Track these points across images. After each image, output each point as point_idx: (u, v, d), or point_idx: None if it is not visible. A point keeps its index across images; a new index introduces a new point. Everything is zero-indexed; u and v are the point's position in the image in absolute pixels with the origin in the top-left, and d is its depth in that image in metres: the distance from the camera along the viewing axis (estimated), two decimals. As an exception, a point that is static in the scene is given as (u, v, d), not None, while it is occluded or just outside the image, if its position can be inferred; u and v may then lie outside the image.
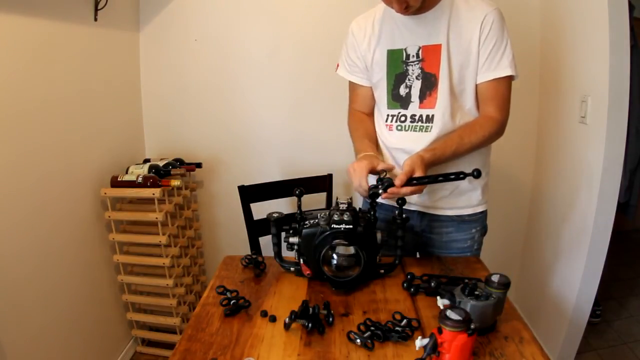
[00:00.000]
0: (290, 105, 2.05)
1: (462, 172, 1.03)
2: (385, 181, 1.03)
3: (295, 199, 1.08)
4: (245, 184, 1.62)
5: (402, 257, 1.11)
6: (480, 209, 1.25)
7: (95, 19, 1.65)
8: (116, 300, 1.86)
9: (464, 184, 1.20)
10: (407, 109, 1.18)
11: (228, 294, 0.99)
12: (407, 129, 1.18)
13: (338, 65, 1.30)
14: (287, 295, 1.03)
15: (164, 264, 1.74)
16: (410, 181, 1.04)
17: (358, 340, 0.84)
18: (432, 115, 1.15)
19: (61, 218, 1.51)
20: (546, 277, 1.93)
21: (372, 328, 0.87)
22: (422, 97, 1.15)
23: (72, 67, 1.55)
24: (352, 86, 1.29)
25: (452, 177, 1.03)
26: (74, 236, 1.59)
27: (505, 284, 0.88)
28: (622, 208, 1.97)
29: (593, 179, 1.56)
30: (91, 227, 1.69)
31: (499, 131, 1.14)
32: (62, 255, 1.52)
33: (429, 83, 1.14)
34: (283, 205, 1.79)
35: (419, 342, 0.76)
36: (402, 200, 1.05)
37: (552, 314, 1.88)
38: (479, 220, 1.26)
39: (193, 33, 1.98)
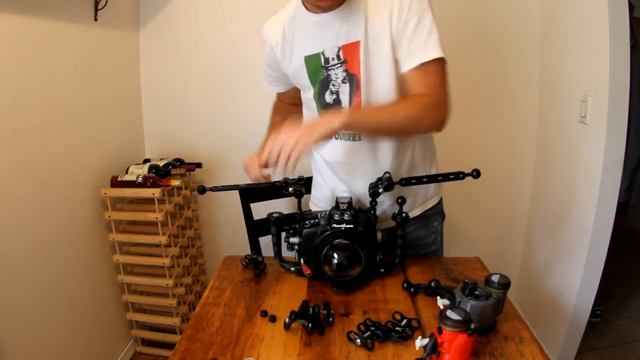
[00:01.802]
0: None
1: (461, 172, 1.03)
2: (385, 180, 1.03)
3: (295, 199, 1.08)
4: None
5: (402, 257, 1.11)
6: (437, 200, 1.22)
7: (95, 19, 1.65)
8: (116, 300, 1.86)
9: (408, 188, 1.10)
10: None
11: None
12: (340, 137, 1.08)
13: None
14: (287, 295, 1.03)
15: (164, 264, 1.74)
16: (409, 181, 1.04)
17: (358, 340, 0.84)
18: None
19: (61, 218, 1.51)
20: (546, 277, 1.93)
21: (372, 328, 0.87)
22: (351, 102, 1.05)
23: (72, 67, 1.55)
24: (273, 90, 1.24)
25: (452, 177, 1.03)
26: (74, 236, 1.59)
27: (505, 284, 0.88)
28: (622, 208, 1.96)
29: (593, 179, 1.56)
30: (91, 227, 1.69)
31: (434, 106, 0.96)
32: (62, 255, 1.52)
33: (355, 85, 1.03)
34: (283, 205, 1.78)
35: (419, 342, 0.76)
36: (402, 199, 1.05)
37: (552, 314, 1.88)
38: (439, 212, 1.24)
39: (193, 33, 1.98)
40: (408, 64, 0.97)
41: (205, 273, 2.22)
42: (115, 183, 1.71)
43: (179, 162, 1.91)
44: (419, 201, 1.19)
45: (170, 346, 1.66)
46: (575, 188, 1.71)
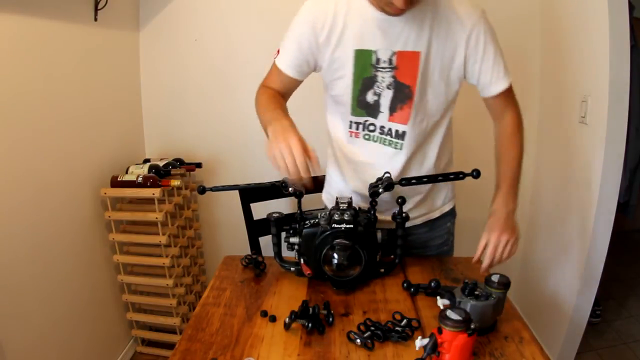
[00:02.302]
0: (290, 105, 2.04)
1: (461, 172, 1.03)
2: (385, 180, 1.03)
3: (295, 199, 1.08)
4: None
5: (402, 257, 1.11)
6: (448, 208, 1.23)
7: (95, 19, 1.65)
8: (116, 300, 1.86)
9: (431, 191, 1.17)
10: (376, 118, 1.06)
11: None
12: (375, 139, 1.08)
13: (278, 52, 1.10)
14: (287, 295, 1.03)
15: (164, 264, 1.74)
16: (409, 181, 1.04)
17: (358, 340, 0.84)
18: (404, 132, 1.05)
19: (61, 218, 1.51)
20: (546, 277, 1.93)
21: (372, 328, 0.87)
22: (392, 109, 1.03)
23: (72, 67, 1.55)
24: (279, 74, 1.10)
25: (452, 177, 1.03)
26: (74, 236, 1.59)
27: (505, 284, 0.88)
28: (622, 208, 1.97)
29: (593, 179, 1.56)
30: (91, 227, 1.69)
31: (522, 123, 1.11)
32: (61, 255, 1.52)
33: (402, 95, 1.01)
34: (283, 205, 1.78)
35: (419, 342, 0.76)
36: (402, 199, 1.05)
37: (552, 314, 1.87)
38: (451, 213, 1.25)
39: (193, 33, 1.98)
40: (494, 89, 1.03)
41: (205, 273, 2.22)
42: (115, 183, 1.71)
43: (179, 162, 1.91)
44: (437, 204, 1.21)
45: (170, 346, 1.66)
46: (575, 188, 1.71)
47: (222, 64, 2.01)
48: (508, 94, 1.06)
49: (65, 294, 1.54)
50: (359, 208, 1.07)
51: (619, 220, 1.67)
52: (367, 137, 1.09)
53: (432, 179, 1.08)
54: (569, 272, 1.73)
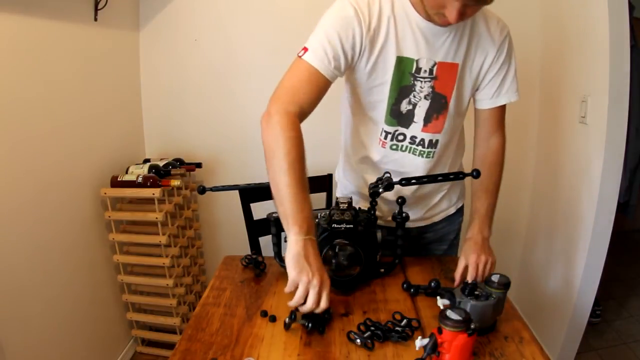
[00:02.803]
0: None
1: (461, 172, 1.04)
2: (385, 180, 1.03)
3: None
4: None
5: (402, 257, 1.11)
6: (461, 203, 1.27)
7: (95, 19, 1.65)
8: (116, 300, 1.86)
9: (450, 189, 1.20)
10: (407, 128, 1.04)
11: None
12: (403, 149, 1.07)
13: (306, 50, 0.95)
14: (287, 295, 1.03)
15: (164, 264, 1.74)
16: (409, 181, 1.04)
17: (358, 340, 0.84)
18: (437, 141, 1.05)
19: (61, 218, 1.51)
20: (546, 277, 1.93)
21: (372, 328, 0.87)
22: (427, 120, 1.03)
23: (72, 67, 1.55)
24: (310, 76, 0.94)
25: (452, 177, 1.04)
26: (74, 236, 1.59)
27: (505, 284, 0.88)
28: (622, 208, 1.97)
29: (593, 179, 1.56)
30: (91, 227, 1.69)
31: (504, 152, 1.13)
32: (62, 255, 1.52)
33: (438, 105, 1.01)
34: (283, 205, 1.78)
35: (419, 342, 0.76)
36: (402, 199, 1.05)
37: (552, 314, 1.88)
38: (462, 209, 1.29)
39: (193, 33, 1.98)
40: (492, 103, 1.05)
41: (205, 273, 2.22)
42: (115, 183, 1.71)
43: (179, 162, 1.91)
44: (453, 200, 1.24)
45: (170, 346, 1.66)
46: (575, 188, 1.71)
47: (222, 64, 2.01)
48: (502, 114, 1.09)
49: (65, 294, 1.54)
50: (359, 208, 1.07)
51: (619, 220, 1.67)
52: (394, 147, 1.07)
53: (432, 179, 1.08)
54: (569, 272, 1.73)
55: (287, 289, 0.82)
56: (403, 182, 1.04)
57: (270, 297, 1.02)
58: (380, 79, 0.99)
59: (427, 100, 1.01)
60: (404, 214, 1.05)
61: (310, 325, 0.87)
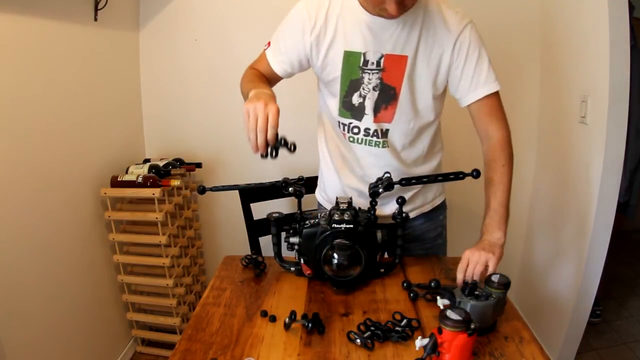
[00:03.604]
0: (290, 105, 2.04)
1: (461, 172, 1.03)
2: (385, 180, 1.03)
3: (295, 199, 1.08)
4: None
5: (402, 257, 1.11)
6: (440, 201, 1.26)
7: (95, 19, 1.65)
8: (116, 300, 1.86)
9: (424, 186, 1.20)
10: (360, 120, 1.08)
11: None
12: (360, 141, 1.11)
13: (270, 44, 1.12)
14: (287, 295, 1.03)
15: (164, 264, 1.74)
16: (409, 181, 1.04)
17: (358, 340, 0.84)
18: (387, 130, 1.08)
19: (61, 218, 1.51)
20: (546, 277, 1.93)
21: (372, 328, 0.87)
22: (376, 110, 1.06)
23: (72, 67, 1.55)
24: (267, 65, 1.11)
25: (452, 177, 1.03)
26: (74, 236, 1.59)
27: (505, 284, 0.88)
28: (622, 208, 1.97)
29: (593, 179, 1.56)
30: (91, 227, 1.69)
31: (510, 147, 1.06)
32: (61, 255, 1.52)
33: (387, 96, 1.04)
34: (283, 205, 1.78)
35: (419, 342, 0.76)
36: (401, 199, 1.05)
37: (552, 314, 1.88)
38: (443, 206, 1.28)
39: (193, 33, 1.98)
40: (472, 96, 1.03)
41: (205, 273, 2.22)
42: (115, 183, 1.71)
43: (179, 162, 1.91)
44: (429, 198, 1.23)
45: (170, 346, 1.66)
46: (575, 188, 1.71)
47: (222, 64, 2.01)
48: (492, 106, 1.05)
49: (65, 294, 1.54)
50: (359, 208, 1.07)
51: (619, 220, 1.67)
52: (351, 139, 1.12)
53: (432, 179, 1.08)
54: (569, 272, 1.73)
55: (244, 122, 0.88)
56: (403, 182, 1.04)
57: (270, 297, 1.02)
58: (332, 75, 1.05)
59: (376, 91, 1.04)
60: (404, 214, 1.05)
61: (310, 325, 0.87)
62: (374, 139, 1.10)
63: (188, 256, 1.96)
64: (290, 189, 1.06)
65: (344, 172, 1.20)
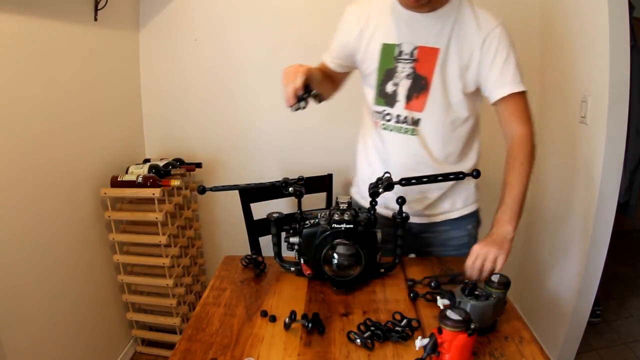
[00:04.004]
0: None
1: (461, 172, 1.04)
2: (384, 180, 1.03)
3: (295, 199, 1.08)
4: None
5: (402, 257, 1.11)
6: (470, 210, 1.24)
7: (95, 19, 1.65)
8: (116, 300, 1.86)
9: (452, 190, 1.20)
10: (392, 107, 1.13)
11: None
12: (391, 129, 1.15)
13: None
14: (287, 295, 1.03)
15: (164, 264, 1.74)
16: (409, 181, 1.04)
17: (358, 340, 0.84)
18: (419, 119, 1.11)
19: (61, 218, 1.51)
20: (546, 277, 1.93)
21: (372, 328, 0.87)
22: (409, 98, 1.11)
23: (72, 67, 1.55)
24: (325, 65, 1.23)
25: (452, 177, 1.04)
26: (74, 236, 1.59)
27: (505, 284, 0.88)
28: (622, 208, 1.97)
29: (593, 179, 1.56)
30: (91, 227, 1.69)
31: (531, 145, 1.09)
32: (62, 255, 1.52)
33: (418, 85, 1.09)
34: (283, 205, 1.79)
35: (419, 342, 0.76)
36: (401, 199, 1.05)
37: (552, 314, 1.88)
38: (474, 216, 1.26)
39: (193, 33, 1.98)
40: (499, 93, 1.07)
41: (205, 273, 2.22)
42: (115, 183, 1.71)
43: (179, 162, 1.91)
44: (457, 205, 1.22)
45: (170, 346, 1.66)
46: (575, 188, 1.71)
47: (222, 64, 2.01)
48: (517, 105, 1.09)
49: (65, 294, 1.54)
50: (359, 208, 1.07)
51: (619, 220, 1.67)
52: (384, 126, 1.16)
53: (432, 179, 1.08)
54: (569, 272, 1.73)
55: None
56: (403, 182, 1.04)
57: (270, 297, 1.02)
58: (371, 66, 1.14)
59: (409, 80, 1.10)
60: (404, 214, 1.05)
61: (310, 325, 0.87)
62: (404, 125, 1.13)
63: (188, 256, 1.96)
64: (290, 189, 1.06)
65: (374, 165, 1.22)
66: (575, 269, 1.68)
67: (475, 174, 1.02)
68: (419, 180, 1.05)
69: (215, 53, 2.00)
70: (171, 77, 2.04)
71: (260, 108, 2.05)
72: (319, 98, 1.02)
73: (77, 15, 1.57)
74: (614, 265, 1.87)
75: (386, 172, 1.06)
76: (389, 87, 1.12)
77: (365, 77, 1.18)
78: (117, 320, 1.89)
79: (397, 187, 1.04)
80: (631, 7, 1.51)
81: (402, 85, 1.10)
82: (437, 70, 1.07)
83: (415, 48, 1.07)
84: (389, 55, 1.10)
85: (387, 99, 1.13)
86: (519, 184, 1.05)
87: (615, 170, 1.52)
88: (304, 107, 0.99)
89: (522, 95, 1.08)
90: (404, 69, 1.09)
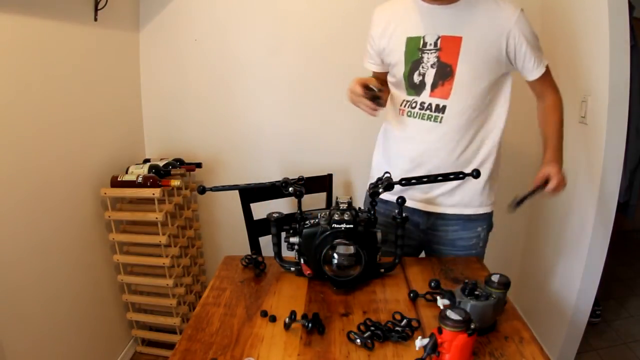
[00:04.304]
0: (290, 106, 2.04)
1: (461, 172, 1.04)
2: (384, 180, 1.03)
3: (295, 199, 1.08)
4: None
5: (402, 257, 1.11)
6: (483, 211, 1.24)
7: (95, 19, 1.65)
8: (116, 300, 1.86)
9: (465, 184, 1.20)
10: (419, 96, 1.18)
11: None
12: (415, 115, 1.19)
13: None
14: (287, 295, 1.03)
15: (164, 264, 1.74)
16: (409, 181, 1.04)
17: (358, 340, 0.84)
18: (444, 106, 1.15)
19: (61, 218, 1.51)
20: (546, 277, 1.93)
21: (372, 328, 0.87)
22: (434, 86, 1.15)
23: (72, 67, 1.55)
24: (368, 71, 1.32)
25: (452, 176, 1.04)
26: (74, 236, 1.59)
27: (505, 284, 0.88)
28: (622, 208, 1.97)
29: (593, 179, 1.56)
30: (91, 227, 1.69)
31: (562, 109, 1.26)
32: (62, 256, 1.52)
33: (444, 73, 1.13)
34: (283, 205, 1.79)
35: (419, 342, 0.76)
36: (401, 199, 1.05)
37: (552, 314, 1.87)
38: (486, 219, 1.26)
39: (193, 33, 1.98)
40: (536, 73, 1.17)
41: (205, 273, 2.22)
42: (115, 183, 1.71)
43: (179, 162, 1.91)
44: (473, 203, 1.24)
45: (170, 346, 1.66)
46: (575, 188, 1.71)
47: (222, 64, 2.01)
48: (545, 79, 1.21)
49: (65, 294, 1.54)
50: (359, 208, 1.07)
51: (619, 220, 1.67)
52: (409, 113, 1.20)
53: (432, 179, 1.08)
54: (569, 272, 1.73)
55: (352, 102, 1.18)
56: (403, 182, 1.04)
57: (270, 297, 1.02)
58: (395, 59, 1.19)
59: (434, 68, 1.14)
60: (404, 215, 1.05)
61: (310, 325, 0.87)
62: (428, 112, 1.17)
63: (188, 256, 1.96)
64: (290, 189, 1.06)
65: (395, 156, 1.26)
66: (575, 269, 1.68)
67: (475, 174, 1.02)
68: (419, 180, 1.05)
69: (215, 53, 2.00)
70: (171, 77, 2.04)
71: (260, 108, 2.06)
72: (380, 95, 1.11)
73: (77, 15, 1.57)
74: (614, 265, 1.87)
75: (386, 173, 1.06)
76: (416, 77, 1.17)
77: (392, 70, 1.23)
78: (117, 320, 1.89)
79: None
80: (631, 7, 1.51)
81: (428, 74, 1.15)
82: (461, 58, 1.11)
83: (439, 38, 1.12)
84: (414, 48, 1.15)
85: (415, 88, 1.18)
86: (559, 134, 1.24)
87: (615, 170, 1.52)
88: (384, 105, 1.13)
89: (548, 68, 1.19)
90: (429, 59, 1.14)
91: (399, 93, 1.24)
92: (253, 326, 0.91)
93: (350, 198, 1.07)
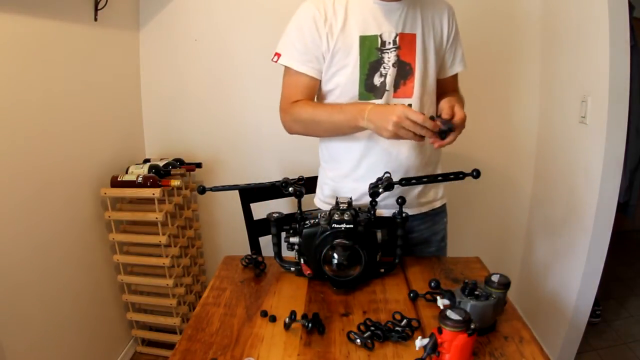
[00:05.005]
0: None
1: (461, 172, 1.04)
2: (385, 180, 1.03)
3: (295, 199, 1.08)
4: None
5: (402, 257, 1.11)
6: (443, 202, 1.29)
7: (95, 19, 1.65)
8: (116, 300, 1.86)
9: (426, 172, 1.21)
10: (380, 98, 1.10)
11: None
12: None
13: (279, 55, 1.14)
14: (287, 295, 1.03)
15: (164, 264, 1.74)
16: (409, 181, 1.04)
17: (358, 340, 0.84)
18: (410, 105, 1.11)
19: (61, 218, 1.51)
20: (546, 277, 1.93)
21: (372, 328, 0.87)
22: (396, 86, 1.11)
23: (72, 67, 1.55)
24: (296, 79, 1.12)
25: (452, 176, 1.04)
26: (74, 236, 1.59)
27: (505, 284, 0.88)
28: (622, 208, 1.97)
29: (593, 179, 1.56)
30: (91, 227, 1.69)
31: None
32: (61, 255, 1.52)
33: (404, 72, 1.10)
34: (283, 205, 1.79)
35: (419, 342, 0.76)
36: (401, 199, 1.05)
37: (552, 314, 1.88)
38: (444, 210, 1.31)
39: (193, 33, 1.98)
40: (461, 66, 1.21)
41: (205, 273, 2.22)
42: (116, 183, 1.71)
43: (179, 162, 1.91)
44: (439, 193, 1.27)
45: (170, 346, 1.66)
46: (575, 188, 1.71)
47: (222, 64, 2.01)
48: (456, 78, 1.25)
49: (65, 294, 1.54)
50: (359, 208, 1.07)
51: (619, 220, 1.67)
52: None
53: (432, 179, 1.08)
54: (569, 272, 1.73)
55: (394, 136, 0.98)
56: (403, 182, 1.04)
57: (270, 297, 1.02)
58: (344, 61, 1.09)
59: (395, 67, 1.10)
60: (404, 214, 1.05)
61: (310, 325, 0.87)
62: None
63: (188, 256, 1.96)
64: (290, 189, 1.06)
65: (352, 160, 1.18)
66: (575, 269, 1.68)
67: (475, 174, 1.02)
68: (419, 180, 1.05)
69: (215, 53, 2.00)
70: (171, 77, 2.04)
71: (260, 108, 2.05)
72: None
73: (77, 15, 1.57)
74: (614, 265, 1.87)
75: (386, 173, 1.06)
76: (376, 79, 1.10)
77: (335, 76, 1.11)
78: (117, 320, 1.89)
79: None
80: (631, 7, 1.51)
81: (389, 74, 1.09)
82: (418, 55, 1.10)
83: (397, 35, 1.09)
84: (371, 48, 1.08)
85: (375, 91, 1.10)
86: (461, 99, 1.22)
87: (615, 170, 1.52)
88: (450, 135, 0.99)
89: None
90: (389, 58, 1.09)
91: (344, 100, 1.11)
92: (253, 326, 0.91)
93: (350, 198, 1.07)
